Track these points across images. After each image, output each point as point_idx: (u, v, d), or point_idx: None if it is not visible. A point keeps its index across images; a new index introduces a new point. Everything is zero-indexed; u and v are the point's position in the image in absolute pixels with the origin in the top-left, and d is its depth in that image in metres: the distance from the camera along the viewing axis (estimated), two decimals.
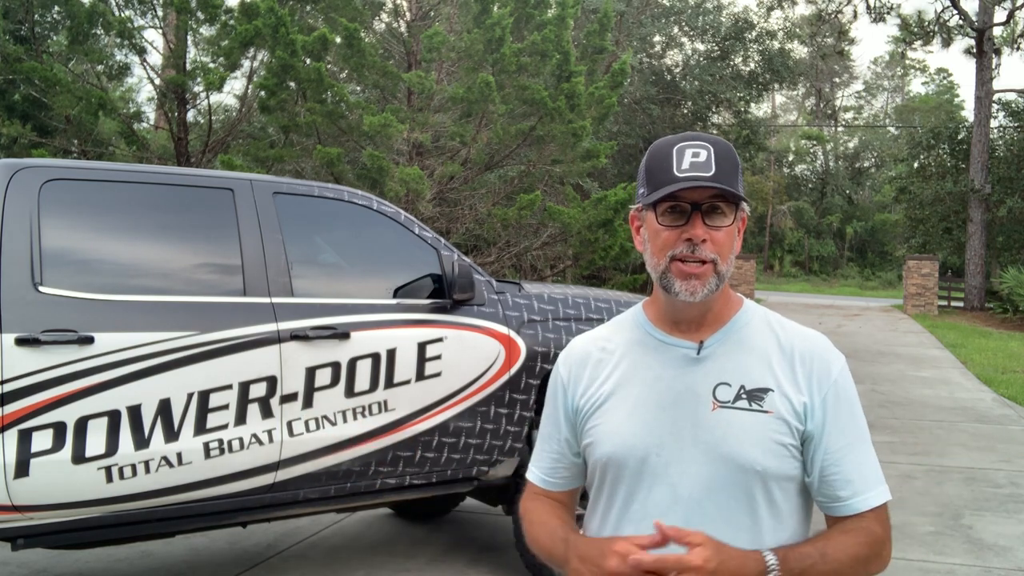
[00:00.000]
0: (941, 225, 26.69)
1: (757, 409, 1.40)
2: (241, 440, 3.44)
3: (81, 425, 3.15)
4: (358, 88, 14.60)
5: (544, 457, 1.62)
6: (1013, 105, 25.65)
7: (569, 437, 1.57)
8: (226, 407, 3.41)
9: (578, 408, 1.54)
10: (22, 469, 3.07)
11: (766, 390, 1.42)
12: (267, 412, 3.50)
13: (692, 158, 1.38)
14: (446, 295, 3.99)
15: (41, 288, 3.18)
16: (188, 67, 11.53)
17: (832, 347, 1.49)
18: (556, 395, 1.59)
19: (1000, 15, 24.45)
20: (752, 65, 27.20)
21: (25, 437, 3.07)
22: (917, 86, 56.31)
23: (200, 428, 3.36)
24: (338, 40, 10.32)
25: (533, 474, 1.64)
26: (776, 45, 26.84)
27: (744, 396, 1.41)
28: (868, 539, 1.39)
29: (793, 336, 1.48)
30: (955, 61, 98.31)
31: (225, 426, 3.41)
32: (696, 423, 1.41)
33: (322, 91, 9.82)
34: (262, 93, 10.39)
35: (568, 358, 1.59)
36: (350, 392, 3.70)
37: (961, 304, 24.10)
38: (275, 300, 3.62)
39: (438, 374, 3.91)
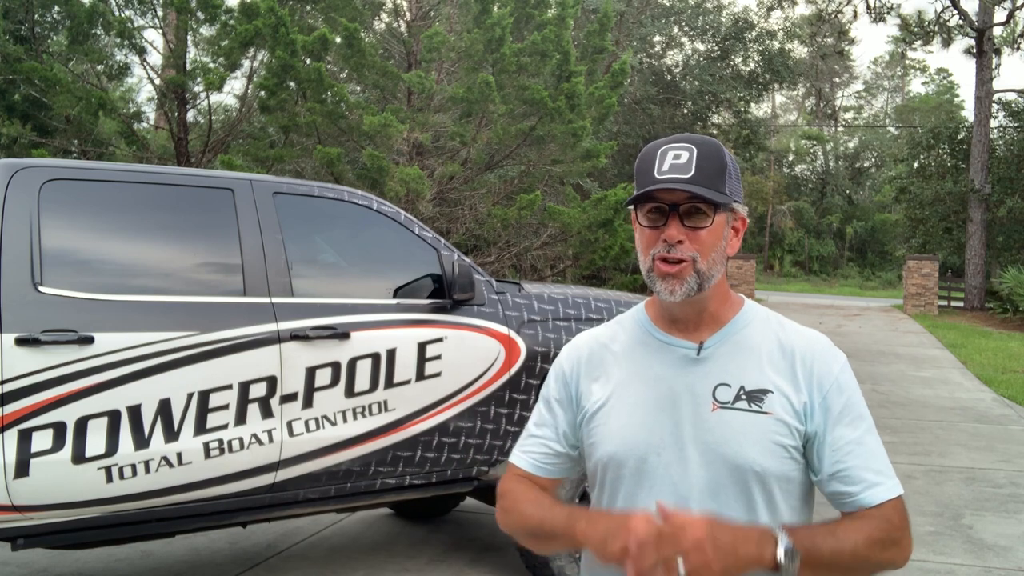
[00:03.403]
0: (941, 225, 26.70)
1: (756, 410, 1.40)
2: (241, 440, 3.44)
3: (81, 425, 3.14)
4: (358, 88, 14.60)
5: (536, 443, 1.58)
6: (1013, 105, 25.65)
7: (567, 429, 1.55)
8: (226, 407, 3.41)
9: (580, 406, 1.54)
10: (22, 469, 3.07)
11: (765, 391, 1.42)
12: (267, 412, 3.50)
13: (673, 160, 1.40)
14: (446, 295, 3.98)
15: (41, 288, 3.18)
16: (188, 67, 11.53)
17: (833, 346, 1.49)
18: (559, 385, 1.58)
19: (1000, 15, 24.47)
20: (752, 65, 27.23)
21: (25, 437, 3.07)
22: (917, 86, 56.39)
23: (200, 428, 3.36)
24: (338, 40, 10.33)
25: (520, 459, 1.59)
26: (776, 45, 26.87)
27: (744, 397, 1.42)
28: (882, 524, 1.37)
29: (794, 337, 1.48)
30: (955, 61, 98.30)
31: (225, 426, 3.41)
32: (696, 424, 1.42)
33: (322, 91, 9.83)
34: (262, 93, 10.40)
35: (573, 352, 1.59)
36: (350, 392, 3.70)
37: (961, 304, 24.11)
38: (275, 300, 3.62)
39: (438, 374, 3.91)
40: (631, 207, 1.49)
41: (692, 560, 1.23)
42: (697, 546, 1.23)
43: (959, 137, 26.67)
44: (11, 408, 3.05)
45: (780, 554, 1.28)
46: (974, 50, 24.23)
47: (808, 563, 1.30)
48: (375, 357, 3.76)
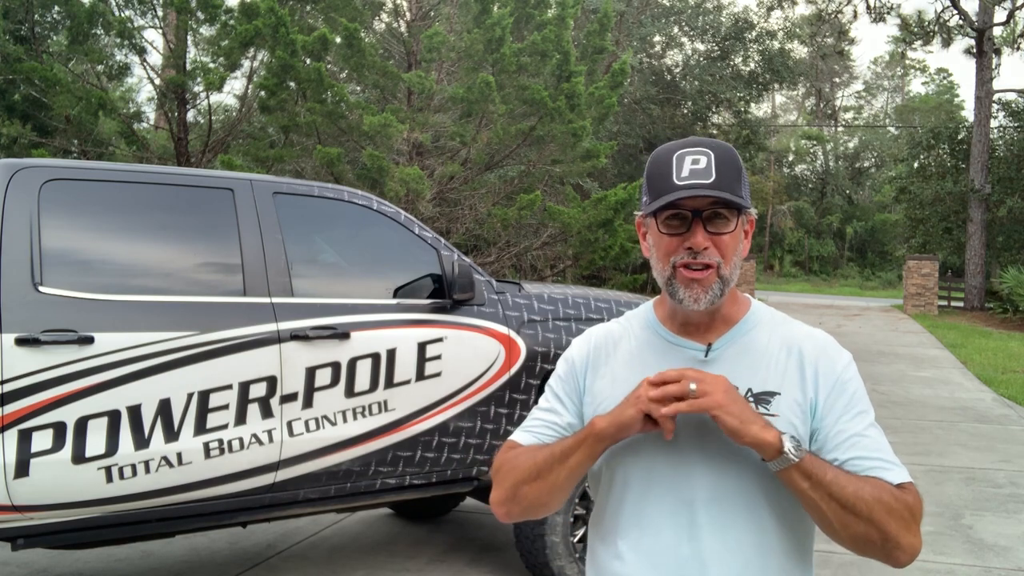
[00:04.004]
0: (941, 225, 26.70)
1: (764, 412, 1.39)
2: (241, 440, 3.44)
3: (81, 425, 3.14)
4: (358, 88, 14.60)
5: (541, 424, 1.55)
6: (1013, 105, 25.65)
7: (572, 420, 1.54)
8: (226, 407, 3.41)
9: (585, 401, 1.53)
10: (22, 469, 3.06)
11: (773, 393, 1.41)
12: (267, 412, 3.50)
13: (692, 165, 1.38)
14: (446, 295, 3.98)
15: (41, 288, 3.18)
16: (188, 67, 11.53)
17: (838, 345, 1.49)
18: (568, 376, 1.57)
19: (1000, 15, 24.47)
20: (752, 65, 27.24)
21: (25, 437, 3.07)
22: (917, 86, 56.40)
23: (200, 428, 3.36)
24: (338, 40, 10.33)
25: (523, 436, 1.55)
26: (776, 45, 26.87)
27: (751, 399, 1.41)
28: (895, 493, 1.34)
29: (800, 337, 1.48)
30: (955, 61, 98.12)
31: (225, 426, 3.41)
32: (703, 425, 1.40)
33: (322, 91, 9.83)
34: (262, 93, 10.40)
35: (584, 344, 1.58)
36: (350, 392, 3.69)
37: (961, 304, 24.11)
38: (275, 300, 3.62)
39: (438, 374, 3.91)
40: (638, 214, 1.48)
41: (704, 385, 1.31)
42: (715, 379, 1.33)
43: (959, 137, 26.68)
44: (11, 408, 3.05)
45: (787, 440, 1.31)
46: (974, 50, 24.23)
47: (807, 474, 1.31)
48: (375, 357, 3.76)
